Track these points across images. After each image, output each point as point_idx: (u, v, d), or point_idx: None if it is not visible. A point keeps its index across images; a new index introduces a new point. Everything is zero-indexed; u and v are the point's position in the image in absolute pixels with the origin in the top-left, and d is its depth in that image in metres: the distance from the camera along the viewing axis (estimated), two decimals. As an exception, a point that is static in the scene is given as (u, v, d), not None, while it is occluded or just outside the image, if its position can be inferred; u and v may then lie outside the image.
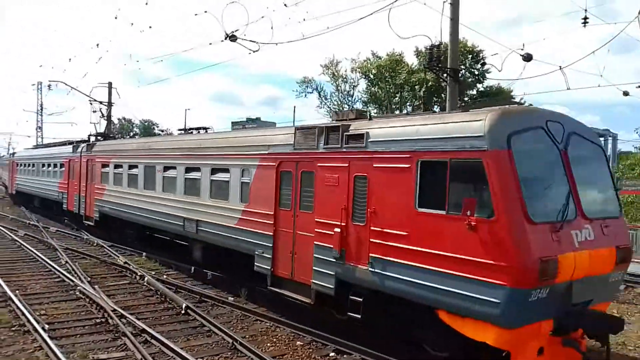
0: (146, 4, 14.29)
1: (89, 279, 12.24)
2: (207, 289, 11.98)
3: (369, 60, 50.01)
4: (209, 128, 15.48)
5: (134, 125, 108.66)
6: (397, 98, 49.76)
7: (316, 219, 8.71)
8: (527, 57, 15.67)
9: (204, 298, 11.12)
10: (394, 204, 7.31)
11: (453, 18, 15.75)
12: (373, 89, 50.53)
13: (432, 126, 7.14)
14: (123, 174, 16.96)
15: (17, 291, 10.72)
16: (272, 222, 9.81)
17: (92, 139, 23.45)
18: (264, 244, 9.97)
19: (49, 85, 43.23)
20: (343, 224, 8.14)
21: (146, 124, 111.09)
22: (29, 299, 10.33)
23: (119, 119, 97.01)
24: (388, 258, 7.33)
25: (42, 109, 56.47)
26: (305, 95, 54.13)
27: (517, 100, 26.70)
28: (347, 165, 8.23)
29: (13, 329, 8.72)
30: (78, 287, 11.32)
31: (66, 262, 14.22)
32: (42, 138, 56.81)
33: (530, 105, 24.01)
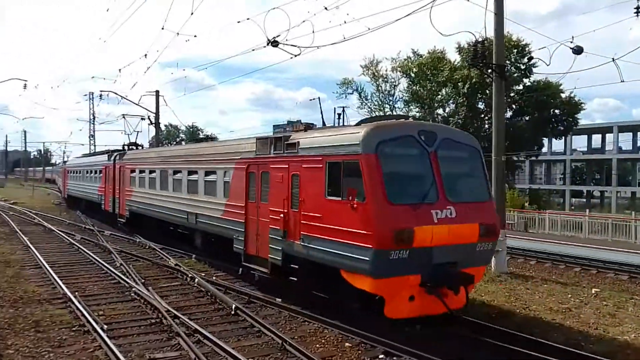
0: (192, 14, 14.66)
1: (143, 280, 12.67)
2: (255, 290, 12.17)
3: (410, 58, 49.43)
4: (215, 137, 17.78)
5: (180, 131, 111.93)
6: (439, 96, 48.92)
7: (270, 208, 11.13)
8: (577, 50, 15.10)
9: (252, 299, 11.31)
10: (314, 194, 9.68)
11: (497, 13, 15.37)
12: (414, 87, 49.86)
13: (334, 136, 9.66)
14: (145, 178, 20.19)
15: (76, 292, 11.24)
16: (243, 212, 12.39)
17: (126, 148, 26.89)
18: (239, 229, 12.56)
19: (100, 96, 45.21)
20: (285, 210, 10.54)
21: (191, 129, 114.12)
22: (88, 300, 10.81)
23: (165, 126, 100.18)
24: (311, 234, 9.69)
25: (94, 118, 59.07)
26: (346, 97, 53.99)
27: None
28: (287, 166, 10.64)
29: (74, 329, 9.14)
30: (133, 289, 11.76)
31: (121, 264, 14.80)
32: (94, 146, 59.38)
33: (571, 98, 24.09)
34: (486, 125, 45.86)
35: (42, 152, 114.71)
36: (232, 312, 10.20)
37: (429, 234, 8.40)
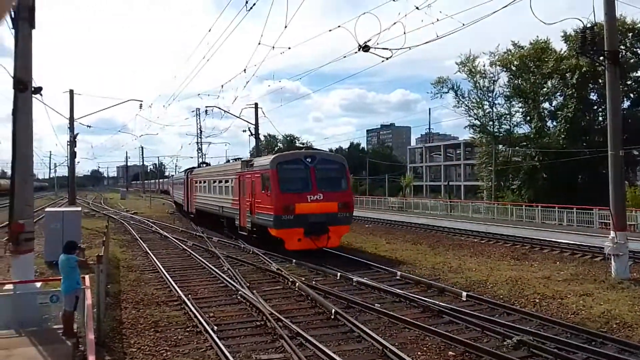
0: (285, 27, 15.20)
1: (248, 284, 13.31)
2: (354, 294, 12.26)
3: (510, 51, 46.85)
4: (240, 158, 27.58)
5: (277, 140, 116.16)
6: (544, 89, 45.78)
7: (246, 199, 20.71)
8: None
9: (351, 304, 11.39)
10: (258, 190, 19.04)
11: (608, -6, 14.10)
12: (516, 81, 47.16)
13: (263, 161, 19.92)
14: (200, 186, 31.22)
15: (189, 295, 12.11)
16: (238, 203, 22.19)
17: (203, 165, 37.81)
18: (235, 212, 22.62)
19: (206, 111, 48.40)
20: (250, 200, 19.99)
21: (288, 138, 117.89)
22: (199, 303, 11.58)
23: (264, 136, 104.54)
24: (258, 211, 19.17)
25: (201, 132, 63.21)
26: (441, 96, 52.53)
27: None
28: (250, 176, 20.40)
29: (188, 329, 9.84)
30: (239, 292, 12.40)
31: (228, 269, 15.68)
32: (203, 157, 63.57)
33: None
34: (600, 118, 42.14)
35: (157, 165, 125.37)
36: (332, 317, 10.36)
37: (306, 207, 17.80)
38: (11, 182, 10.01)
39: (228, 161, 29.79)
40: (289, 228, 17.69)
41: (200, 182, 31.12)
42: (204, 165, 38.09)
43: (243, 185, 21.59)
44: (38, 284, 10.19)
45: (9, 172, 14.70)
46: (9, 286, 9.64)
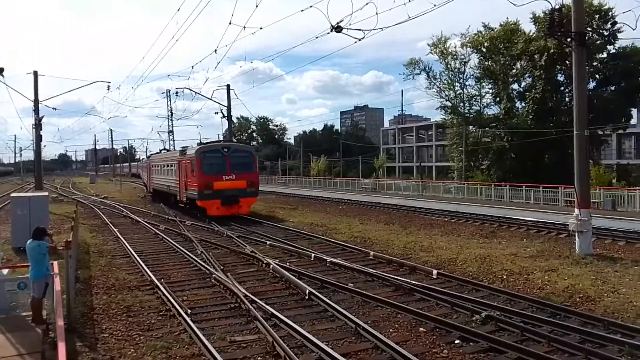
0: (256, 6, 14.92)
1: (222, 267, 13.25)
2: (327, 275, 12.37)
3: (481, 33, 47.23)
4: (187, 147, 30.21)
5: (250, 122, 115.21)
6: (514, 70, 46.45)
7: (182, 179, 27.57)
8: (669, 9, 13.70)
9: (325, 284, 11.50)
10: (189, 171, 26.14)
11: (575, -24, 14.29)
12: (486, 63, 47.70)
13: (191, 150, 27.08)
14: (155, 169, 37.71)
15: (162, 279, 12.00)
16: (177, 182, 28.76)
17: (163, 151, 43.50)
18: (176, 189, 29.10)
19: (177, 93, 47.47)
20: (184, 180, 27.34)
21: (261, 120, 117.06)
22: (172, 287, 11.49)
23: (237, 118, 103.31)
24: (188, 187, 26.65)
25: (171, 115, 62.05)
26: (413, 78, 52.71)
27: None
28: (184, 161, 27.17)
29: (161, 313, 9.77)
30: (213, 275, 12.36)
31: (201, 252, 15.59)
32: (173, 141, 62.47)
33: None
34: (567, 99, 43.10)
35: (128, 148, 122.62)
36: (306, 297, 10.45)
37: (222, 184, 24.32)
38: (-28, 167, 9.65)
39: (184, 149, 31.51)
40: (209, 200, 24.58)
41: (155, 166, 37.98)
42: (163, 151, 43.81)
43: (180, 168, 28.29)
44: (5, 271, 9.94)
45: (-30, 156, 14.19)
46: (-26, 274, 9.36)
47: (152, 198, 38.59)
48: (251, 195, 25.56)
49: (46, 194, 20.78)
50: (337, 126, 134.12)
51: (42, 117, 33.88)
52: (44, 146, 50.14)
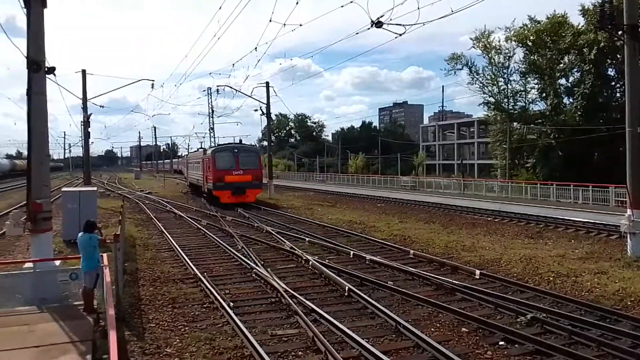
0: (297, 3, 15.02)
1: (262, 262, 13.47)
2: (367, 273, 12.36)
3: (526, 26, 45.82)
4: (207, 149, 37.02)
5: (289, 119, 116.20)
6: (561, 65, 44.85)
7: (204, 174, 34.15)
8: None
9: (365, 282, 11.50)
10: (208, 168, 32.69)
11: (629, -35, 13.68)
12: (532, 57, 46.24)
13: (209, 150, 34.28)
14: (189, 166, 45.47)
15: (205, 273, 12.30)
16: (203, 176, 34.78)
17: (198, 150, 47.24)
18: (202, 183, 35.69)
19: (217, 90, 48.43)
20: (205, 174, 33.95)
21: (300, 117, 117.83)
22: (215, 280, 11.77)
23: (276, 115, 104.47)
24: (207, 181, 33.25)
25: (212, 112, 63.27)
26: (455, 73, 51.73)
27: None
28: (206, 159, 33.53)
29: (204, 305, 10.04)
30: (254, 270, 12.57)
31: (242, 247, 15.87)
32: (214, 138, 63.79)
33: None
34: (618, 94, 41.29)
35: (170, 145, 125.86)
36: (346, 294, 10.49)
37: (231, 178, 30.18)
38: (28, 162, 10.15)
39: (205, 149, 39.45)
40: (222, 190, 30.42)
41: (190, 163, 45.86)
42: (200, 150, 48.20)
43: (203, 165, 34.69)
44: (57, 262, 10.42)
45: (24, 152, 14.93)
46: (29, 264, 9.88)
47: (192, 193, 41.28)
48: (256, 187, 31.46)
49: (94, 188, 21.63)
50: (376, 123, 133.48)
51: (90, 114, 35.28)
52: (92, 142, 52.38)
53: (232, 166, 30.56)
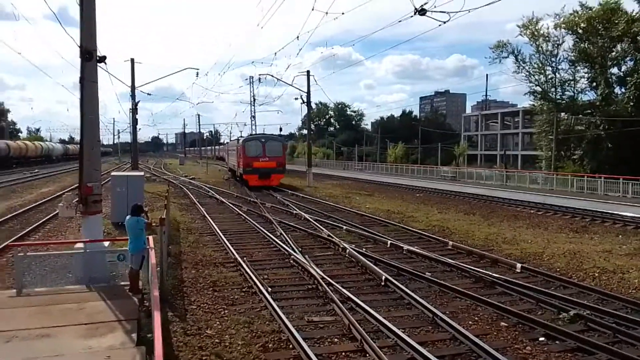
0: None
1: (300, 249, 13.59)
2: (404, 263, 12.26)
3: (577, 13, 43.71)
4: (240, 138, 40.86)
5: (328, 108, 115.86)
6: (613, 53, 42.67)
7: (238, 160, 38.35)
8: None
9: (401, 272, 11.42)
10: (239, 155, 37.20)
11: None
12: (582, 45, 44.14)
13: (241, 140, 38.52)
14: (229, 153, 49.39)
15: (244, 258, 12.52)
16: (237, 162, 38.87)
17: (238, 139, 47.22)
18: (236, 167, 40.07)
19: (259, 79, 48.79)
20: (238, 160, 38.10)
21: (339, 106, 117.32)
22: (254, 265, 11.97)
23: (316, 104, 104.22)
24: (239, 166, 37.75)
25: (254, 100, 63.88)
26: (500, 61, 49.93)
27: None
28: (239, 148, 37.56)
29: (244, 290, 10.23)
30: (292, 256, 12.70)
31: (280, 234, 16.05)
32: (255, 125, 64.47)
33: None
34: (675, 84, 38.93)
35: (213, 132, 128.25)
36: (382, 283, 10.44)
37: (259, 164, 34.06)
38: (80, 147, 10.54)
39: (239, 139, 43.37)
40: (250, 174, 34.40)
41: (230, 151, 49.70)
42: (241, 138, 49.38)
43: (237, 152, 38.46)
44: (106, 244, 10.83)
45: (77, 137, 15.50)
46: (80, 245, 10.32)
47: (233, 179, 43.26)
48: (280, 172, 35.35)
49: (142, 173, 22.33)
50: (416, 112, 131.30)
51: (138, 102, 36.36)
52: (139, 129, 54.14)
53: (260, 154, 34.39)
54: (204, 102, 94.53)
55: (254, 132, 59.44)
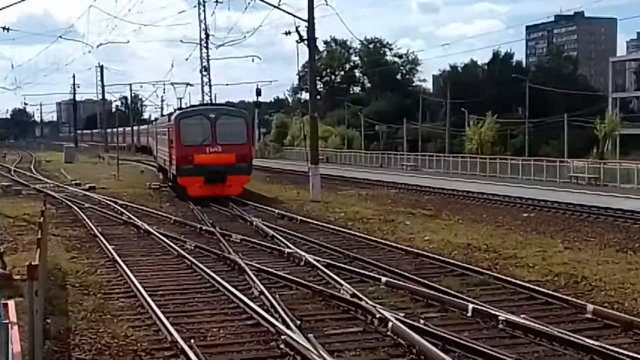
0: None
1: (297, 322, 13.53)
2: (500, 347, 12.18)
3: None
4: (172, 113, 47.02)
5: (351, 50, 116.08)
6: None
7: (169, 153, 43.69)
8: None
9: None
10: (170, 142, 42.90)
11: None
12: None
13: (174, 115, 45.13)
14: (158, 138, 54.49)
15: (192, 340, 12.41)
16: (168, 155, 43.80)
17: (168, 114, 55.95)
18: (168, 163, 45.87)
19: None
20: (170, 152, 42.81)
21: (371, 45, 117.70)
22: (211, 356, 11.93)
23: (326, 42, 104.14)
24: (172, 161, 43.28)
25: (207, 37, 64.19)
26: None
27: None
28: (170, 128, 43.40)
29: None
30: (282, 337, 12.65)
31: (260, 292, 16.00)
32: (210, 85, 65.05)
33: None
34: None
35: (130, 100, 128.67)
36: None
37: (204, 158, 37.32)
38: None
39: (171, 113, 49.25)
40: (189, 176, 37.46)
41: (159, 136, 53.32)
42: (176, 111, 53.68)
43: (168, 138, 42.79)
44: None
45: None
46: None
47: (168, 187, 46.15)
48: (242, 171, 38.53)
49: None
50: (520, 54, 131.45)
51: None
52: (-13, 96, 53.90)
53: (206, 139, 37.92)
54: (111, 44, 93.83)
55: (203, 100, 59.91)
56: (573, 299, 15.37)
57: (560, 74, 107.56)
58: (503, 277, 17.88)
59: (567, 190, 41.39)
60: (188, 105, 51.69)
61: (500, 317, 13.75)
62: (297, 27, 40.35)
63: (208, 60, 64.89)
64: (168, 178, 44.21)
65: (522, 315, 13.95)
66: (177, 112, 42.06)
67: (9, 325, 9.40)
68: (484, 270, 18.65)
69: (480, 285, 17.27)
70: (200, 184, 36.45)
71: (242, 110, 50.07)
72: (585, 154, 66.25)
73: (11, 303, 10.05)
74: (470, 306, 14.61)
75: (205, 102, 63.57)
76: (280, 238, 23.78)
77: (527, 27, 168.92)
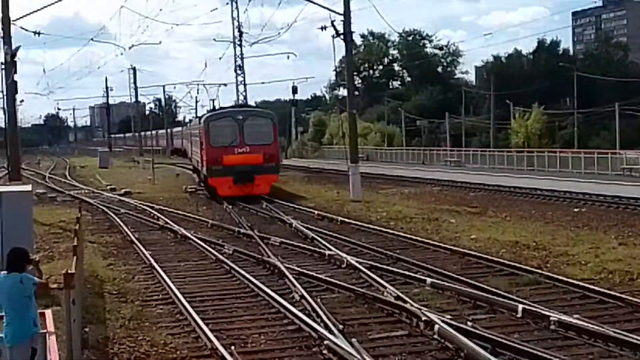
0: None
1: (340, 326, 13.52)
2: (553, 349, 12.07)
3: None
4: (202, 116, 53.14)
5: (389, 44, 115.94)
6: None
7: (200, 154, 48.46)
8: None
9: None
10: (200, 143, 48.08)
11: None
12: None
13: (203, 117, 50.54)
14: (191, 142, 61.32)
15: (232, 347, 12.47)
16: (201, 157, 46.77)
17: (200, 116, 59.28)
18: (200, 165, 50.14)
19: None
20: (201, 154, 47.13)
21: (410, 37, 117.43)
22: (251, 361, 12.02)
23: (363, 37, 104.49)
24: (203, 162, 48.19)
25: (240, 35, 64.47)
26: None
27: None
28: (200, 130, 48.31)
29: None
30: (325, 342, 12.66)
31: (301, 297, 16.04)
32: (244, 84, 65.55)
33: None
34: None
35: (164, 103, 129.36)
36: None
37: (232, 159, 40.70)
38: None
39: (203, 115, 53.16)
40: (218, 177, 40.02)
41: (193, 138, 56.79)
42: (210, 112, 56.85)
43: (199, 140, 46.13)
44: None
45: None
46: None
47: (205, 191, 46.91)
48: (270, 171, 41.13)
49: (28, 188, 22.61)
50: (567, 42, 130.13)
51: (17, 48, 35.90)
52: (20, 102, 53.63)
53: (234, 141, 40.86)
54: (143, 44, 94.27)
55: (238, 100, 62.91)
56: (629, 297, 15.17)
57: (610, 61, 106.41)
58: (554, 275, 17.73)
59: (620, 183, 40.92)
60: (215, 108, 55.37)
61: (552, 318, 13.63)
62: (332, 22, 40.39)
63: (242, 58, 65.25)
64: (200, 180, 46.77)
65: (575, 316, 13.82)
66: (207, 114, 45.50)
67: (47, 334, 9.50)
68: (533, 269, 18.50)
69: (530, 284, 17.14)
70: (229, 184, 38.90)
71: (269, 111, 52.35)
72: (639, 145, 65.32)
73: (48, 312, 10.13)
74: (520, 307, 14.50)
75: (239, 102, 65.98)
76: (321, 240, 23.81)
77: (574, 13, 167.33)
